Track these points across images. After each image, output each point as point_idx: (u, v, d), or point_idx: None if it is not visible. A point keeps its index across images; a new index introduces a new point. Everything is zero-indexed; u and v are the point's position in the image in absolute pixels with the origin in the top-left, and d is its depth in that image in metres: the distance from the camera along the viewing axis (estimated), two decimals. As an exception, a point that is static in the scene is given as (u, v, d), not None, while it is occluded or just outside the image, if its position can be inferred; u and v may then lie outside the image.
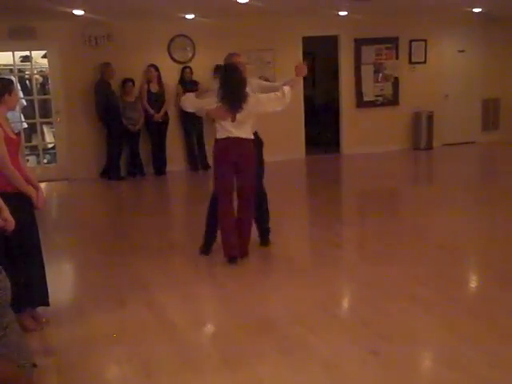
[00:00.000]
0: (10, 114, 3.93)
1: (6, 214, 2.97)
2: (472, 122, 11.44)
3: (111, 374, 3.32)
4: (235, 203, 4.86)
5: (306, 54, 10.40)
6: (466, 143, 11.38)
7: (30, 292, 3.67)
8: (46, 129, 10.06)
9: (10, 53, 9.13)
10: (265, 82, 5.00)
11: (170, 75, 9.53)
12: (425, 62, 10.98)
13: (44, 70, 9.76)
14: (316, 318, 3.73)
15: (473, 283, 4.52)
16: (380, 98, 10.88)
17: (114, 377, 3.29)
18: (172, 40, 9.63)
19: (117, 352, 3.41)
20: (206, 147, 9.72)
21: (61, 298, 4.22)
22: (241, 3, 7.99)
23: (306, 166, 10.27)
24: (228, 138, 4.65)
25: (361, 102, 10.80)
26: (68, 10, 7.89)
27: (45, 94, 9.75)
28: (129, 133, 9.24)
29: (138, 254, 5.30)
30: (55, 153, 9.75)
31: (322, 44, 10.93)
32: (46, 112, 9.68)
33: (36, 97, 9.51)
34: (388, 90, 10.88)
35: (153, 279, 4.59)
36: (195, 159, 9.77)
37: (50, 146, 10.17)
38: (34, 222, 3.71)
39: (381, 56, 10.73)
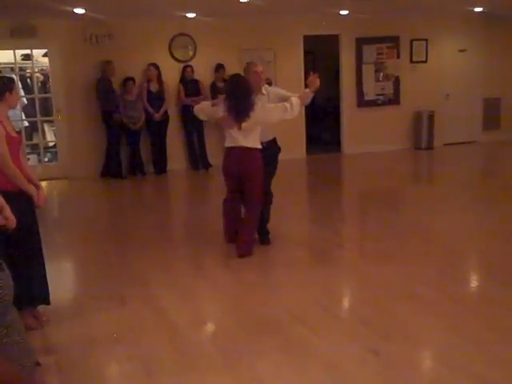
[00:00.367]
0: (10, 113, 3.94)
1: (8, 212, 2.96)
2: (473, 122, 11.45)
3: (112, 372, 3.32)
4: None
5: (306, 53, 10.42)
6: (467, 143, 11.38)
7: (31, 291, 3.68)
8: (46, 127, 10.06)
9: (11, 51, 9.13)
10: (282, 91, 5.13)
11: (171, 74, 9.53)
12: (426, 61, 10.98)
13: (45, 68, 9.78)
14: (316, 317, 3.73)
15: (473, 283, 4.52)
16: (381, 98, 10.87)
17: (114, 375, 3.29)
18: (173, 39, 9.63)
19: (117, 351, 3.41)
20: (207, 146, 9.74)
21: (61, 297, 4.22)
22: (242, 2, 7.99)
23: (306, 166, 10.28)
24: (233, 148, 4.85)
25: (362, 102, 10.79)
26: (69, 8, 7.89)
27: (46, 93, 9.75)
28: (129, 131, 9.25)
29: (138, 252, 5.30)
30: (56, 151, 9.76)
31: (323, 43, 10.93)
32: (46, 110, 9.68)
33: (37, 95, 9.51)
34: (389, 89, 10.88)
35: (153, 278, 4.60)
36: (196, 158, 9.78)
37: (50, 144, 10.18)
38: (34, 221, 3.71)
39: (382, 55, 10.73)
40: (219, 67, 9.58)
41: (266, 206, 5.17)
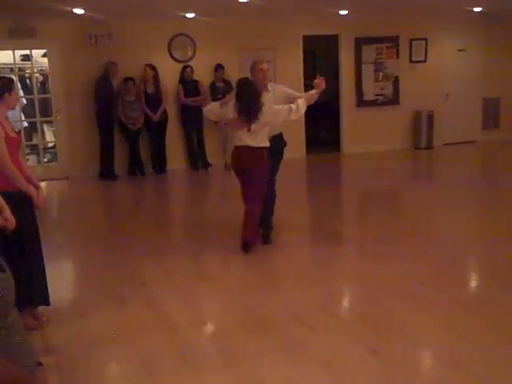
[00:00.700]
0: (10, 113, 3.93)
1: (7, 213, 2.96)
2: (472, 121, 11.45)
3: (111, 372, 3.32)
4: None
5: (306, 53, 10.42)
6: (467, 142, 11.38)
7: (31, 291, 3.67)
8: (46, 128, 10.06)
9: (11, 51, 9.12)
10: (289, 90, 5.30)
11: (171, 74, 9.53)
12: (425, 61, 10.99)
13: (44, 68, 9.77)
14: (316, 317, 3.73)
15: (473, 283, 4.52)
16: (380, 97, 10.88)
17: (114, 375, 3.29)
18: (172, 39, 9.63)
19: (117, 351, 3.41)
20: (206, 146, 9.74)
21: (61, 297, 4.22)
22: (241, 2, 7.99)
23: (306, 165, 10.28)
24: (241, 146, 5.00)
25: (361, 102, 10.80)
26: (68, 8, 7.89)
27: (45, 93, 9.74)
28: (129, 132, 9.24)
29: (138, 252, 5.30)
30: (55, 152, 9.75)
31: (323, 43, 10.93)
32: (46, 111, 9.67)
33: (36, 96, 9.50)
34: (388, 89, 10.88)
35: (153, 278, 4.60)
36: (195, 158, 9.78)
37: (50, 144, 10.17)
38: (34, 221, 3.71)
39: (381, 55, 10.74)
40: (218, 67, 9.57)
41: (269, 204, 5.23)
